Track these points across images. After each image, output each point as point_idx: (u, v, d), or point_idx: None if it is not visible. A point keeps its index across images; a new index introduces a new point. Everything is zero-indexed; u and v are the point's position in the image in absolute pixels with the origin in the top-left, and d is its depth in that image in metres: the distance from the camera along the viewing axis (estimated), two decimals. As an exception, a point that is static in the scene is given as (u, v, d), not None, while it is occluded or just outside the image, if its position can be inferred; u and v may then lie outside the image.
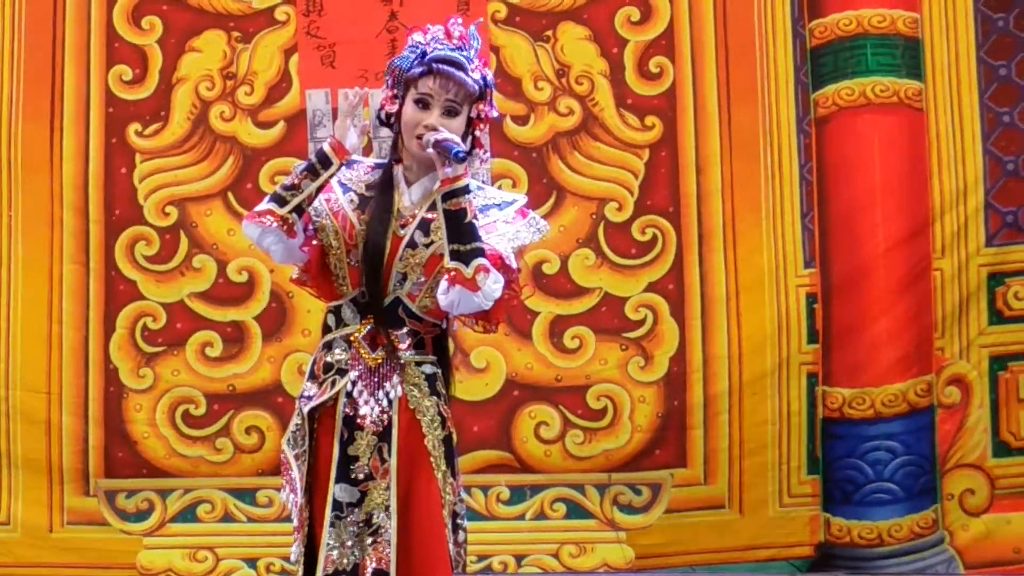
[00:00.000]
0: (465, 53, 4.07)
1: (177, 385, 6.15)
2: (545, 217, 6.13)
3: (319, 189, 4.00)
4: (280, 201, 3.99)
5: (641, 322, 6.23)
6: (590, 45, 6.29)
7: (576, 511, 6.17)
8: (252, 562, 6.12)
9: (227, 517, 6.14)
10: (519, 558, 6.15)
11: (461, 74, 3.99)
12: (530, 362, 6.20)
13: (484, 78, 4.06)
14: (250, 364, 6.16)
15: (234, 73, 6.22)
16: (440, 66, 4.00)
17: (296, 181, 3.99)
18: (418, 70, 4.01)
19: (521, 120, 6.26)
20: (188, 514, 6.14)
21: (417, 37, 4.10)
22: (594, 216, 6.25)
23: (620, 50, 6.29)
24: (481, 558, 6.09)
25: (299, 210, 4.00)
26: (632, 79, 6.29)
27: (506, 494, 6.17)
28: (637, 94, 6.29)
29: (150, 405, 6.14)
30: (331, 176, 4.01)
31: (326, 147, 4.00)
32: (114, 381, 6.14)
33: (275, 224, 3.98)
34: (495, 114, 4.12)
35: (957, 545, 6.17)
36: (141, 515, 6.13)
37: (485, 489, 6.14)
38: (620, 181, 6.27)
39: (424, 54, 4.04)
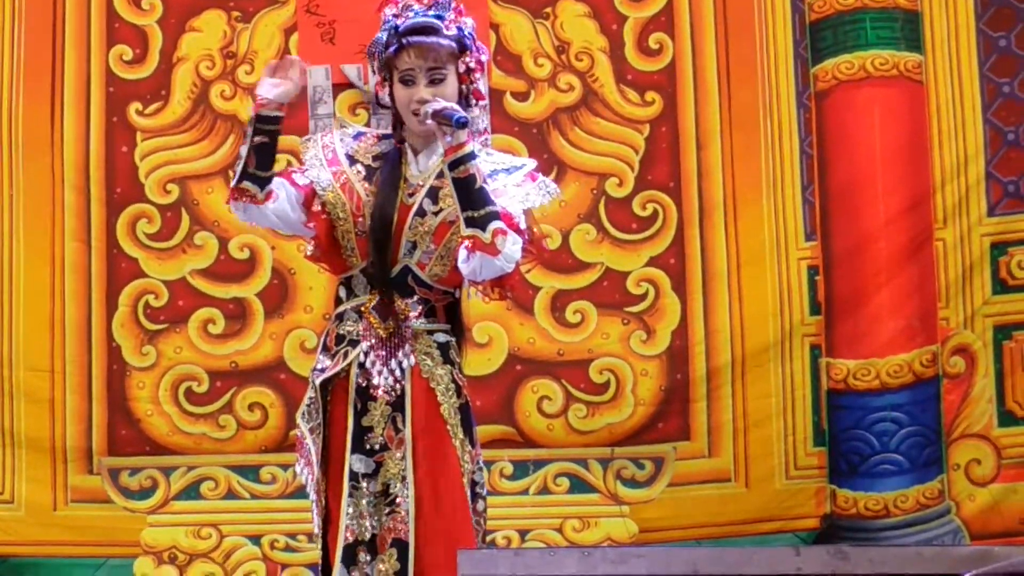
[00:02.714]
0: (438, 12, 4.03)
1: (179, 362, 6.15)
2: (546, 193, 6.20)
3: (255, 150, 3.94)
4: (243, 175, 4.00)
5: (643, 296, 6.22)
6: (589, 22, 6.30)
7: (579, 485, 6.16)
8: (256, 539, 6.10)
9: (231, 494, 6.13)
10: (523, 533, 6.13)
11: (433, 39, 3.96)
12: (532, 336, 6.20)
13: (460, 30, 4.01)
14: (252, 341, 6.16)
15: (234, 52, 6.24)
16: (410, 39, 3.97)
17: (249, 149, 3.97)
18: (392, 49, 4.00)
19: (521, 96, 6.26)
20: (192, 491, 6.13)
21: (389, 11, 4.08)
22: (595, 191, 6.26)
23: (619, 26, 6.30)
24: (485, 533, 6.07)
25: (252, 177, 3.96)
26: (632, 55, 6.30)
27: (509, 469, 6.16)
28: (637, 70, 6.29)
29: (153, 383, 6.14)
30: (258, 134, 3.94)
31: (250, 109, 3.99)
32: (117, 359, 6.14)
33: (234, 198, 4.00)
34: (484, 56, 4.09)
35: (963, 516, 6.14)
36: (145, 493, 6.12)
37: (488, 464, 6.05)
38: (621, 156, 6.27)
39: (396, 28, 4.01)
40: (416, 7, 4.05)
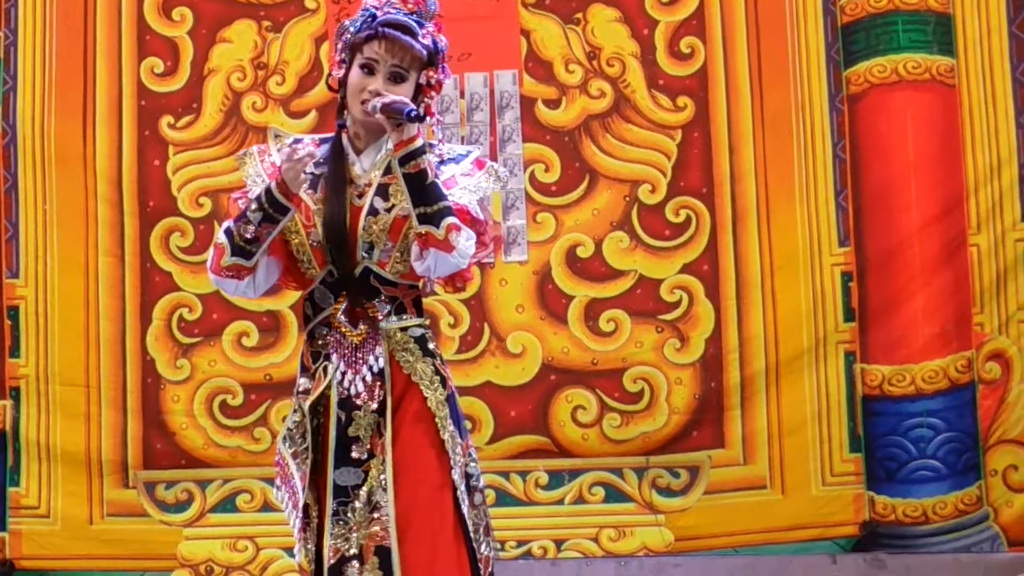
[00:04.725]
0: (418, 18, 4.01)
1: (214, 375, 6.17)
2: (579, 200, 6.22)
3: (266, 221, 3.89)
4: (245, 254, 3.89)
5: (676, 304, 6.21)
6: (621, 27, 6.28)
7: (615, 495, 6.15)
8: (292, 551, 6.08)
9: (266, 507, 6.13)
10: (559, 543, 6.13)
11: (408, 39, 3.92)
12: (566, 346, 6.19)
13: (435, 44, 3.99)
14: (286, 353, 6.16)
15: (265, 63, 6.23)
16: (386, 30, 3.92)
17: (256, 234, 3.87)
18: (365, 34, 3.95)
19: (553, 103, 6.25)
20: (227, 504, 6.15)
21: (371, 1, 4.04)
22: (627, 198, 6.24)
23: (651, 31, 6.28)
24: (520, 543, 6.08)
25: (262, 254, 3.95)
26: (663, 60, 6.27)
27: (544, 479, 6.16)
28: (668, 75, 6.27)
29: (187, 396, 6.16)
30: (289, 219, 3.92)
31: (278, 196, 3.86)
32: (151, 373, 6.16)
33: (249, 277, 3.95)
34: (447, 79, 4.04)
35: (1001, 522, 6.12)
36: (181, 506, 6.14)
37: (523, 474, 6.13)
38: (653, 163, 6.25)
39: (374, 17, 3.99)
40: (400, 6, 4.03)
